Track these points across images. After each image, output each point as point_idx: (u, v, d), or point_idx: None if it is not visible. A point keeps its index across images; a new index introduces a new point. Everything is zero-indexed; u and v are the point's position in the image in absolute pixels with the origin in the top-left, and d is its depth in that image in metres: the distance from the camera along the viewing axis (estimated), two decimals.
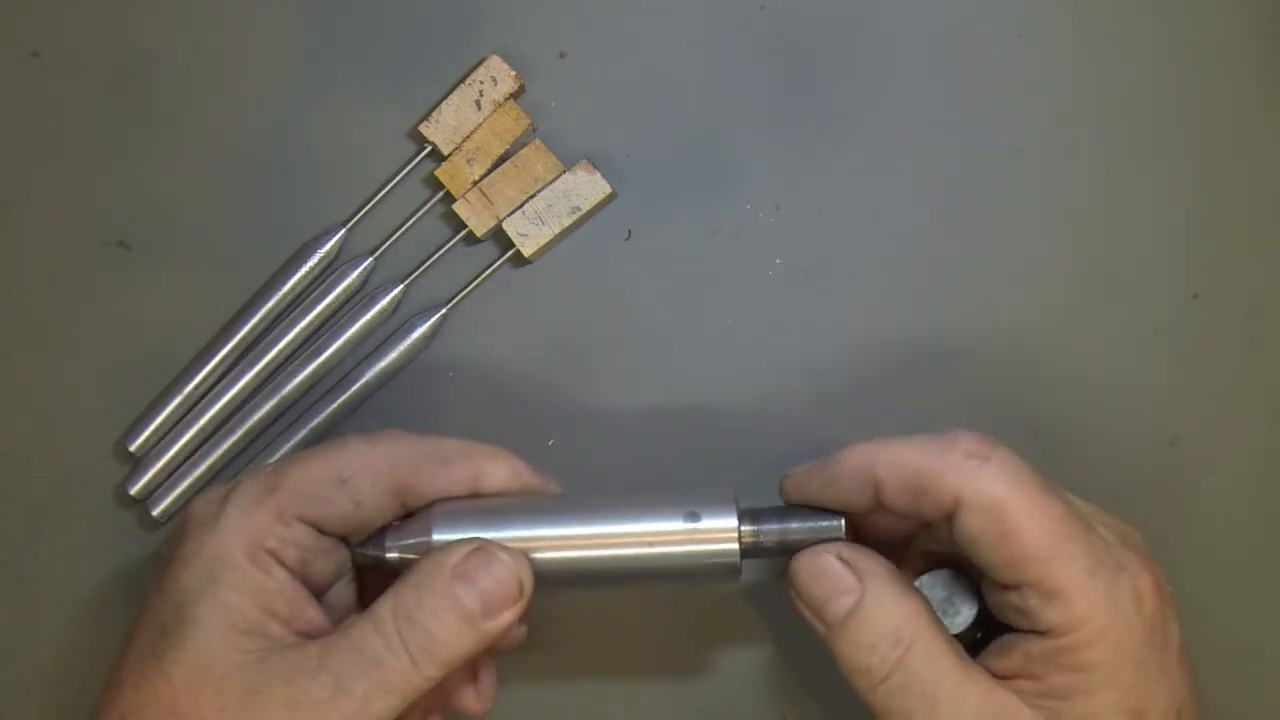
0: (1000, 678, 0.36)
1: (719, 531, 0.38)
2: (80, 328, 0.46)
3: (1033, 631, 0.36)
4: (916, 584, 0.39)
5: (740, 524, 0.38)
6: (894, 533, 0.40)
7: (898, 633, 0.36)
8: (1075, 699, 0.35)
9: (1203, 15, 0.46)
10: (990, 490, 0.35)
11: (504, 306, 0.46)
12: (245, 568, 0.36)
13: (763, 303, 0.46)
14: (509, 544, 0.37)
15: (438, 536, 0.38)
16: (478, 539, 0.37)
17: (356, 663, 0.35)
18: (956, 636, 0.38)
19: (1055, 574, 0.35)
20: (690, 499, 0.38)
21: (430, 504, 0.39)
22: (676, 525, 0.38)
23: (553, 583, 0.38)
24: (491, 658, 0.41)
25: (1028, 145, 0.46)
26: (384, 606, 0.36)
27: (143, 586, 0.45)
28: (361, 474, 0.38)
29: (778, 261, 0.46)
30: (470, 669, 0.40)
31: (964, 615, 0.39)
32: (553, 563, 0.38)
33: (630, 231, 0.46)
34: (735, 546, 0.38)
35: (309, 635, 0.37)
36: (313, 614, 0.37)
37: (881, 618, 0.36)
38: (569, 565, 0.38)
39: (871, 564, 0.37)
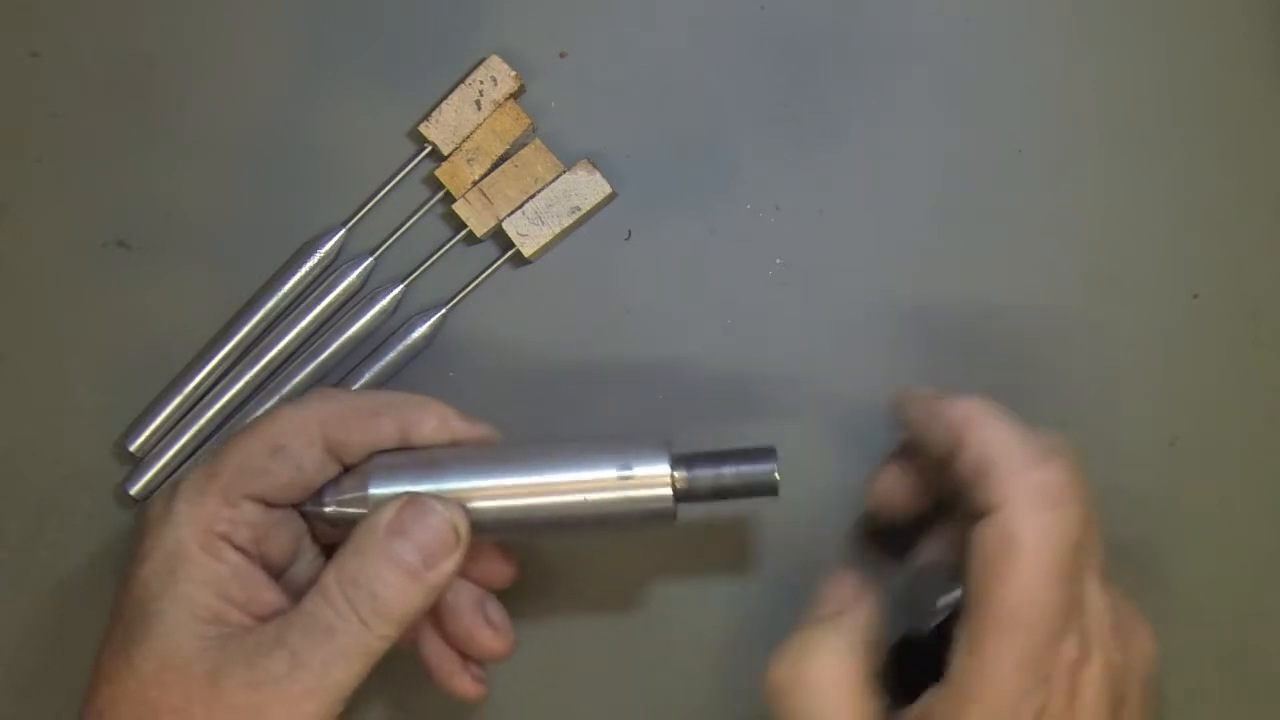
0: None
1: (652, 478, 0.38)
2: (80, 328, 0.46)
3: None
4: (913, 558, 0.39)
5: (673, 469, 0.38)
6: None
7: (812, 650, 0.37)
8: None
9: (1203, 15, 0.46)
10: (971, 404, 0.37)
11: (504, 306, 0.46)
12: (199, 557, 0.37)
13: (763, 303, 0.46)
14: (446, 494, 0.38)
15: (374, 490, 0.38)
16: (409, 493, 0.38)
17: (310, 634, 0.35)
18: (930, 617, 0.38)
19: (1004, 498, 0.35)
20: (624, 449, 0.38)
21: (368, 458, 0.39)
22: (610, 474, 0.38)
23: (489, 530, 0.38)
24: (492, 597, 0.42)
25: (1028, 145, 0.46)
26: (329, 575, 0.36)
27: None
28: (295, 438, 0.38)
29: (778, 261, 0.46)
30: (479, 610, 0.41)
31: (943, 603, 0.38)
32: (489, 511, 0.38)
33: (630, 231, 0.46)
34: (669, 492, 0.38)
35: (268, 616, 0.37)
36: (270, 596, 0.38)
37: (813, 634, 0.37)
38: (505, 514, 0.38)
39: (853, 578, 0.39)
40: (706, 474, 0.38)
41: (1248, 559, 0.45)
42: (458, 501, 0.38)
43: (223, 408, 0.46)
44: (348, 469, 0.39)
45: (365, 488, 0.38)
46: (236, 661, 0.35)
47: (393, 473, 0.38)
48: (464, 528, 0.37)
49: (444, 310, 0.46)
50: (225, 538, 0.37)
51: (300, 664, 0.35)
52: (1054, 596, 0.34)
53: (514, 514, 0.38)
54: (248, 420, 0.40)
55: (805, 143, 0.46)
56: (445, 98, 0.46)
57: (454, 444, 0.40)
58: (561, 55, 0.47)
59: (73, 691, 0.46)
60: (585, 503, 0.38)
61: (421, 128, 0.46)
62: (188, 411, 0.46)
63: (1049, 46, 0.46)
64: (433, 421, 0.39)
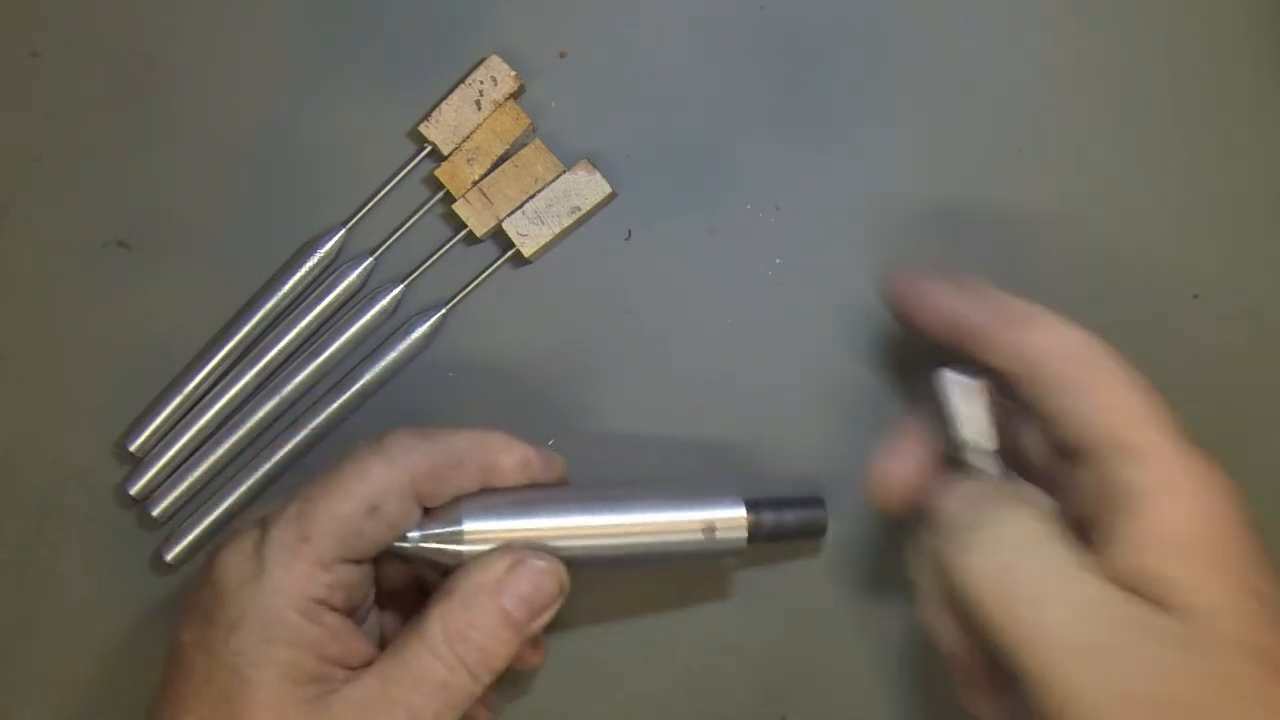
0: (1113, 573, 0.33)
1: (731, 522, 0.41)
2: (80, 328, 0.46)
3: (1120, 508, 0.34)
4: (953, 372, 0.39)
5: (748, 516, 0.41)
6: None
7: (1012, 533, 0.35)
8: (1186, 582, 0.33)
9: (1203, 15, 0.46)
10: (1081, 339, 0.36)
11: (504, 306, 0.46)
12: (299, 624, 0.36)
13: (763, 303, 0.46)
14: (535, 532, 0.40)
15: (468, 526, 0.39)
16: (515, 548, 0.39)
17: (423, 689, 0.37)
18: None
19: (1133, 430, 0.34)
20: (703, 496, 0.41)
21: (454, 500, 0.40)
22: (694, 520, 0.41)
23: (571, 568, 0.40)
24: None
25: (1028, 145, 0.46)
26: (434, 628, 0.37)
27: (142, 591, 0.45)
28: (389, 498, 0.38)
29: (778, 261, 0.46)
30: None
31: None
32: (571, 550, 0.40)
33: (630, 231, 0.46)
34: (744, 535, 0.41)
35: (358, 664, 0.38)
36: (361, 645, 0.38)
37: (997, 521, 0.35)
38: (588, 553, 0.40)
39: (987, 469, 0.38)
40: (769, 518, 0.42)
41: None
42: (554, 554, 0.39)
43: (223, 408, 0.46)
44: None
45: (459, 523, 0.39)
46: (345, 718, 0.36)
47: (484, 510, 0.40)
48: (566, 580, 0.39)
49: (444, 310, 0.46)
50: (323, 602, 0.37)
51: (415, 718, 0.36)
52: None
53: (596, 554, 0.40)
54: (330, 469, 0.38)
55: (805, 143, 0.46)
56: (445, 98, 0.46)
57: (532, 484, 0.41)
58: (561, 55, 0.47)
59: (73, 691, 0.46)
60: (667, 544, 0.41)
61: (421, 128, 0.46)
62: (188, 411, 0.46)
63: (1049, 46, 0.46)
64: (514, 463, 0.40)
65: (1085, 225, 0.46)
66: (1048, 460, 0.38)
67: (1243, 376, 0.46)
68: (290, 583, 0.36)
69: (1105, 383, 0.35)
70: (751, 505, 0.42)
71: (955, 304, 0.38)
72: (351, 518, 0.37)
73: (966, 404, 0.39)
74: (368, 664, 0.37)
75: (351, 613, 0.39)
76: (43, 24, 0.47)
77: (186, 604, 0.38)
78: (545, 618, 0.39)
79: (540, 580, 0.38)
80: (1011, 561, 0.34)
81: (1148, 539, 0.33)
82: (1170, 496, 0.33)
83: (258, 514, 0.39)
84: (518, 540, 0.39)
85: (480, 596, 0.38)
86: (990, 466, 0.38)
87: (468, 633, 0.37)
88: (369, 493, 0.37)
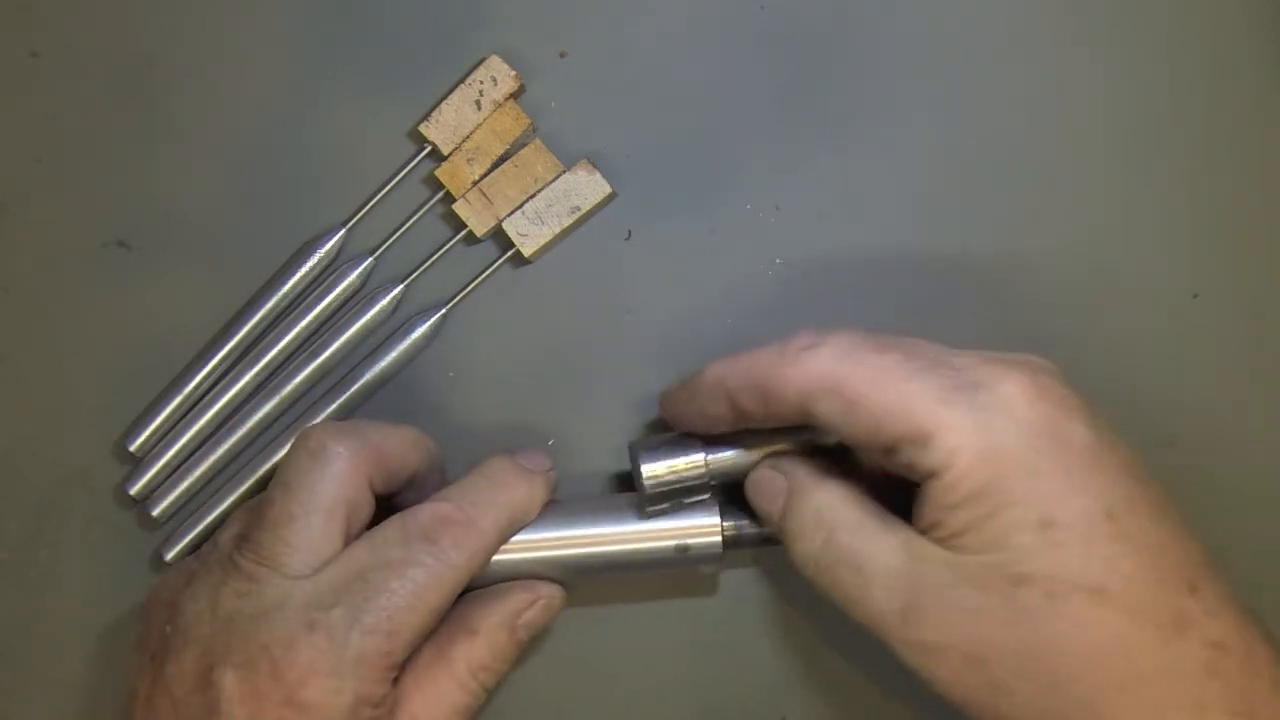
0: (921, 533, 0.36)
1: (704, 528, 0.42)
2: (80, 328, 0.46)
3: (928, 480, 0.36)
4: None
5: (722, 520, 0.42)
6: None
7: (819, 516, 0.38)
8: (977, 528, 0.35)
9: (1203, 15, 0.46)
10: (822, 371, 0.37)
11: (504, 306, 0.46)
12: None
13: (763, 302, 0.46)
14: (512, 544, 0.42)
15: None
16: (526, 586, 0.42)
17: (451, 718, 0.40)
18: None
19: (910, 419, 0.35)
20: (679, 510, 0.42)
21: None
22: (667, 530, 0.42)
23: (547, 576, 0.42)
24: None
25: (1028, 145, 0.46)
26: (460, 665, 0.40)
27: (142, 591, 0.45)
28: (360, 506, 0.40)
29: (778, 261, 0.46)
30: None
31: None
32: (548, 560, 0.42)
33: (630, 231, 0.46)
34: (718, 540, 0.42)
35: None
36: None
37: (804, 508, 0.39)
38: (565, 561, 0.42)
39: (796, 464, 0.40)
40: (749, 526, 0.42)
41: (1248, 560, 0.45)
42: (527, 565, 0.42)
43: (223, 407, 0.46)
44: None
45: None
46: None
47: None
48: (562, 601, 0.43)
49: (444, 310, 0.46)
50: (382, 702, 0.39)
51: None
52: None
53: (570, 564, 0.42)
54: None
55: (805, 143, 0.46)
56: (445, 98, 0.46)
57: None
58: (561, 55, 0.47)
59: (73, 691, 0.46)
60: (641, 553, 0.42)
61: (421, 128, 0.46)
62: (188, 411, 0.46)
63: (1049, 47, 0.46)
64: (535, 513, 0.42)
65: (1084, 225, 0.46)
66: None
67: (1243, 376, 0.46)
68: (372, 692, 0.38)
69: (867, 394, 0.36)
70: (731, 513, 0.42)
71: (716, 408, 0.40)
72: (425, 628, 0.39)
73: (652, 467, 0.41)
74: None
75: None
76: (43, 24, 0.47)
77: (233, 704, 0.37)
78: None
79: (553, 610, 0.42)
80: (830, 538, 0.38)
81: (938, 496, 0.35)
82: (952, 461, 0.35)
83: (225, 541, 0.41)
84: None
85: (502, 635, 0.41)
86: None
87: (490, 665, 0.40)
88: (440, 604, 0.39)
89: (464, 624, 0.40)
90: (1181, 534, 0.36)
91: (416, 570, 0.38)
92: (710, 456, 0.41)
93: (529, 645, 0.42)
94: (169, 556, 0.45)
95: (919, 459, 0.35)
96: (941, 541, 0.36)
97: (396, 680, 0.39)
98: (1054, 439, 0.35)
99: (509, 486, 0.41)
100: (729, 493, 0.42)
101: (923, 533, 0.36)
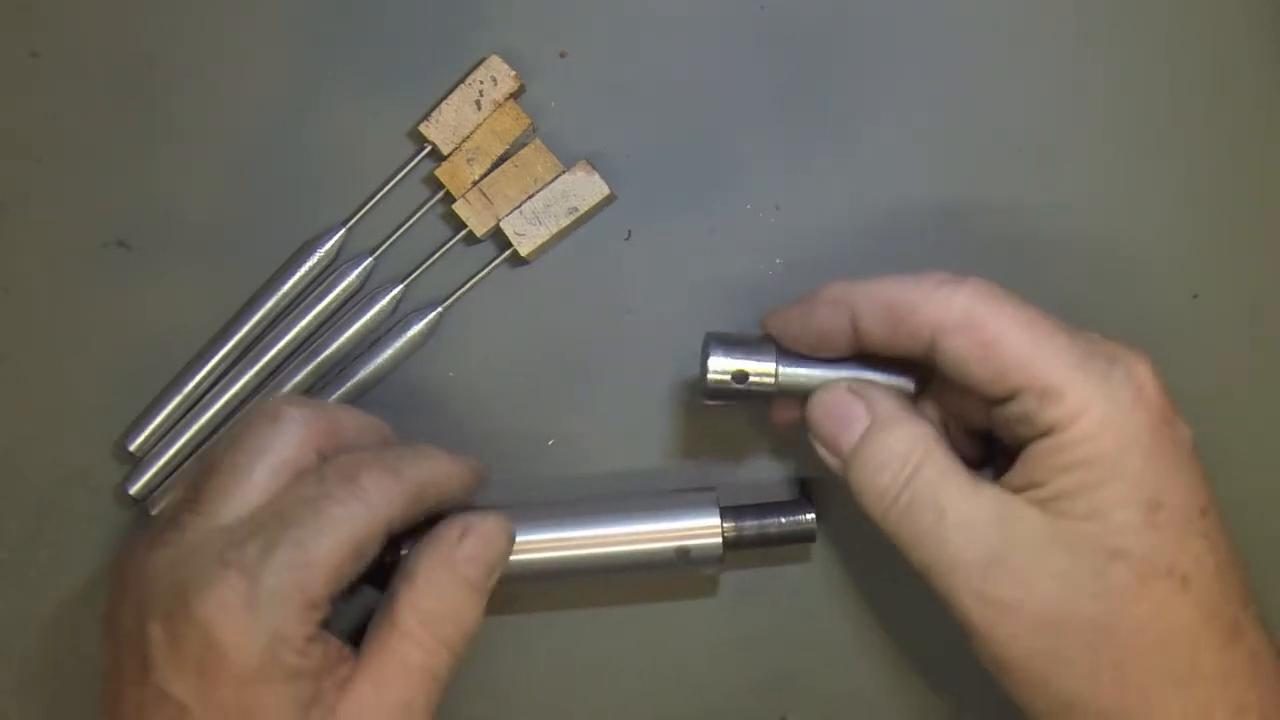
0: (1013, 491, 0.36)
1: (704, 529, 0.42)
2: (80, 328, 0.46)
3: (1038, 438, 0.36)
4: None
5: (722, 522, 0.42)
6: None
7: (906, 454, 0.37)
8: (1082, 494, 0.35)
9: (1203, 15, 0.46)
10: (964, 307, 0.36)
11: (503, 306, 0.46)
12: (299, 663, 0.36)
13: (763, 303, 0.46)
14: (537, 544, 0.42)
15: None
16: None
17: (411, 681, 0.38)
18: None
19: (1043, 371, 0.35)
20: (679, 508, 0.42)
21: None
22: (667, 531, 0.42)
23: (551, 576, 0.42)
24: None
25: (1028, 145, 0.46)
26: (406, 615, 0.38)
27: None
28: (371, 542, 0.38)
29: (778, 261, 0.46)
30: None
31: None
32: (549, 562, 0.42)
33: (630, 231, 0.46)
34: (719, 541, 0.42)
35: (341, 664, 0.38)
36: (337, 646, 0.38)
37: (890, 442, 0.38)
38: (567, 562, 0.42)
39: (878, 393, 0.39)
40: (750, 526, 0.42)
41: (1248, 560, 0.45)
42: (529, 567, 0.41)
43: (223, 407, 0.46)
44: None
45: None
46: None
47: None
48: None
49: (440, 309, 0.46)
50: (315, 636, 0.37)
51: (415, 712, 0.37)
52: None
53: (570, 565, 0.42)
54: (305, 497, 0.37)
55: (805, 143, 0.46)
56: (445, 98, 0.46)
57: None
58: (561, 55, 0.47)
59: (73, 691, 0.46)
60: (642, 554, 0.42)
61: (421, 128, 0.46)
62: (188, 411, 0.46)
63: (1049, 46, 0.46)
64: (459, 490, 0.41)
65: (1085, 225, 0.46)
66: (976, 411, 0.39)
67: (1243, 376, 0.46)
68: (291, 630, 0.36)
69: (1004, 338, 0.36)
70: (731, 513, 0.42)
71: (835, 324, 0.39)
72: (342, 564, 0.37)
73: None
74: (345, 659, 0.38)
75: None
76: (43, 24, 0.47)
77: (161, 651, 0.36)
78: (499, 571, 0.40)
79: (492, 539, 0.40)
80: (916, 476, 0.37)
81: (1048, 455, 0.35)
82: (1073, 422, 0.35)
83: (176, 513, 0.38)
84: None
85: (440, 572, 0.39)
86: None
87: (438, 611, 0.38)
88: (357, 539, 0.37)
89: (402, 574, 0.39)
90: (1237, 550, 0.37)
91: (330, 504, 0.37)
92: (783, 368, 0.40)
93: (491, 589, 0.40)
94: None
95: (1040, 413, 0.35)
96: (1037, 503, 0.35)
97: (362, 647, 0.38)
98: (1170, 429, 0.36)
99: (433, 455, 0.41)
100: (729, 495, 0.42)
101: (1014, 491, 0.36)
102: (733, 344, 0.40)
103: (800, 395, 0.40)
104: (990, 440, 0.40)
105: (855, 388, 0.39)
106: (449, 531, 0.39)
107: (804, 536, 0.43)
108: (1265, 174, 0.46)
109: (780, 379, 0.40)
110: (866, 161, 0.46)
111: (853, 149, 0.46)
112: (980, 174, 0.46)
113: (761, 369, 0.40)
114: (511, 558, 0.41)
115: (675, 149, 0.46)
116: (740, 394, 0.40)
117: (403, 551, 0.40)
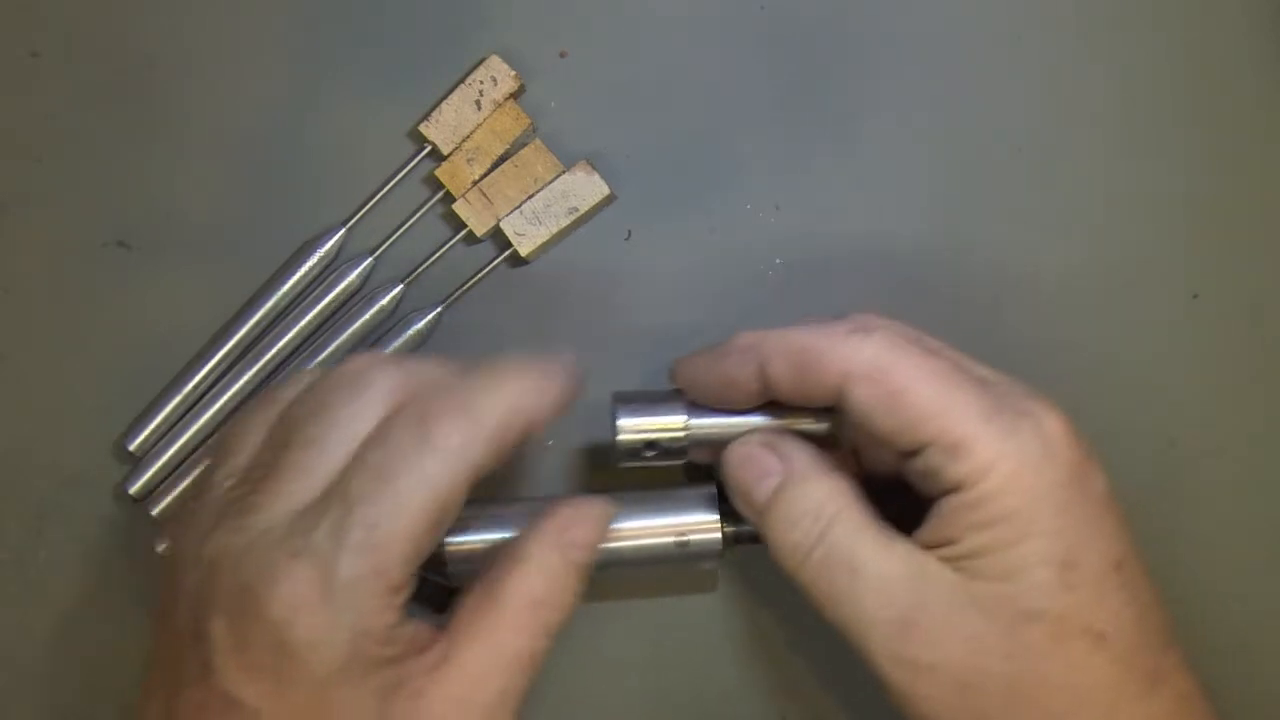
0: (926, 548, 0.36)
1: (704, 525, 0.41)
2: (80, 328, 0.46)
3: (947, 492, 0.35)
4: None
5: (722, 520, 0.41)
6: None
7: (819, 509, 0.37)
8: (995, 553, 0.35)
9: (1203, 15, 0.46)
10: (872, 357, 0.36)
11: (503, 306, 0.46)
12: (384, 653, 0.34)
13: (763, 303, 0.46)
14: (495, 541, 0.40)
15: (450, 539, 0.40)
16: (566, 501, 0.38)
17: (511, 668, 0.35)
18: None
19: (950, 425, 0.35)
20: (678, 504, 0.42)
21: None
22: (668, 525, 0.41)
23: None
24: None
25: (1028, 145, 0.46)
26: (513, 598, 0.35)
27: (142, 590, 0.45)
28: (451, 508, 0.35)
29: (778, 261, 0.46)
30: None
31: None
32: None
33: (630, 231, 0.46)
34: (718, 537, 0.41)
35: (427, 643, 0.35)
36: (422, 626, 0.35)
37: (803, 496, 0.37)
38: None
39: (792, 446, 0.38)
40: (750, 524, 0.41)
41: (1248, 560, 0.45)
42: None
43: (222, 407, 0.46)
44: None
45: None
46: None
47: (461, 526, 0.40)
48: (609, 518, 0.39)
49: (439, 308, 0.46)
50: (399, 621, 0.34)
51: (510, 699, 0.35)
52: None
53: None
54: (374, 463, 0.34)
55: (805, 143, 0.46)
56: (445, 98, 0.46)
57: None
58: (561, 55, 0.47)
59: (73, 692, 0.46)
60: (641, 549, 0.41)
61: (421, 128, 0.46)
62: (188, 411, 0.46)
63: (1049, 46, 0.46)
64: (549, 413, 0.37)
65: (1084, 225, 0.46)
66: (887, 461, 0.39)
67: (1243, 376, 0.46)
68: (373, 622, 0.33)
69: (911, 389, 0.35)
70: (730, 509, 0.42)
71: (743, 373, 0.38)
72: (423, 535, 0.34)
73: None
74: (433, 639, 0.35)
75: None
76: (43, 24, 0.47)
77: (225, 655, 0.33)
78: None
79: (601, 524, 0.38)
80: (828, 533, 0.36)
81: (959, 513, 0.35)
82: (982, 478, 0.34)
83: (219, 480, 0.36)
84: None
85: (554, 556, 0.36)
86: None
87: (547, 596, 0.36)
88: (437, 504, 0.34)
89: (510, 553, 0.36)
90: (1158, 595, 0.37)
91: (401, 470, 0.33)
92: (692, 420, 0.40)
93: (587, 576, 0.37)
94: (162, 549, 0.45)
95: (947, 468, 0.35)
96: (949, 561, 0.35)
97: (447, 627, 0.35)
98: (1083, 483, 0.35)
99: (513, 376, 0.36)
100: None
101: (927, 547, 0.36)
102: (636, 401, 0.40)
103: (715, 445, 0.40)
104: (904, 490, 0.40)
105: (769, 440, 0.39)
106: (564, 512, 0.37)
107: None
108: (1265, 174, 0.46)
109: (691, 431, 0.40)
110: (866, 161, 0.46)
111: (853, 149, 0.46)
112: (980, 174, 0.46)
113: (670, 424, 0.40)
114: (469, 555, 0.40)
115: (675, 149, 0.46)
116: (654, 451, 0.40)
117: None
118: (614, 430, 0.40)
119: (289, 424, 0.36)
